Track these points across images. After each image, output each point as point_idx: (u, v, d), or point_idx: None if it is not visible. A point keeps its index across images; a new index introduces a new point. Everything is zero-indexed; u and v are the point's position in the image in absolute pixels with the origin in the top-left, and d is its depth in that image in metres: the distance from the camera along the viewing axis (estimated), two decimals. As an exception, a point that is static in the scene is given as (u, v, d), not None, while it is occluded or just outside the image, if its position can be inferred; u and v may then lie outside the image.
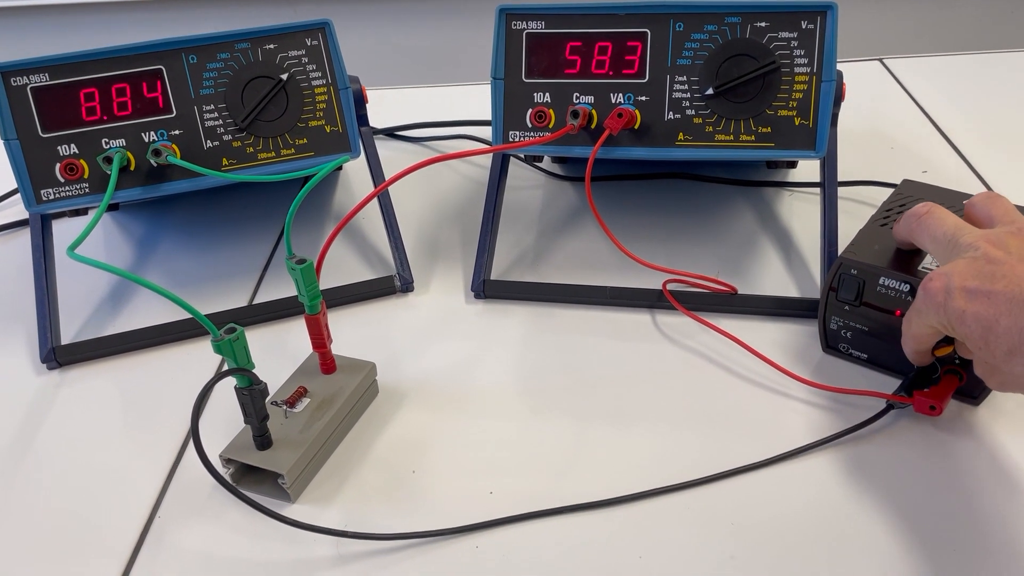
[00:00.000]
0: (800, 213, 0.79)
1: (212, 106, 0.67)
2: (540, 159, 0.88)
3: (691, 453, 0.56)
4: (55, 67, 0.64)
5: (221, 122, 0.67)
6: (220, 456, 0.54)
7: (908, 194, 0.64)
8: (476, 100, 1.03)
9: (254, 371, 0.51)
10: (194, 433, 0.49)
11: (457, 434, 0.58)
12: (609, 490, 0.53)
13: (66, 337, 0.68)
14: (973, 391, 0.57)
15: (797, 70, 0.63)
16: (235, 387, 0.51)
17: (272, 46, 0.67)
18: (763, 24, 0.63)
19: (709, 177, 0.84)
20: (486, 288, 0.70)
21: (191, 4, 1.83)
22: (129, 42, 0.65)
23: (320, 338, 0.58)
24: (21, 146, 0.64)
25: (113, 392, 0.64)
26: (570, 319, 0.68)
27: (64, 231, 0.77)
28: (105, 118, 0.65)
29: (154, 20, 1.85)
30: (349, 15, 1.82)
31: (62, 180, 0.65)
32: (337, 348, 0.61)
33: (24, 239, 0.81)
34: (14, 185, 0.90)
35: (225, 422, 0.59)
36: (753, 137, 0.65)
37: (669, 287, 0.68)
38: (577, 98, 0.67)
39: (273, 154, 0.68)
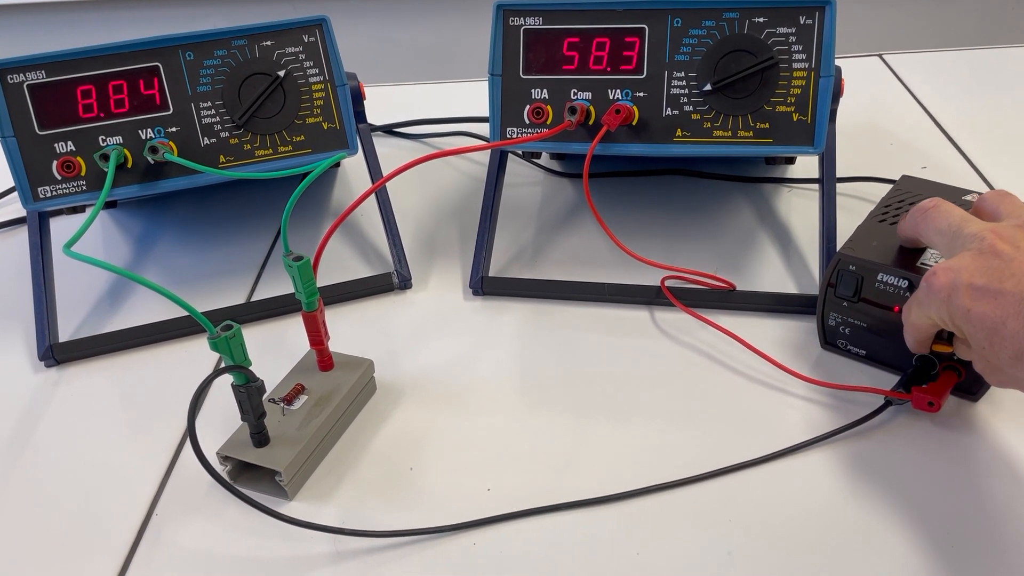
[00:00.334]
0: (799, 209, 0.79)
1: (209, 103, 0.67)
2: (538, 155, 0.87)
3: (689, 450, 0.55)
4: (52, 64, 0.64)
5: (218, 119, 0.67)
6: (217, 453, 0.54)
7: (907, 190, 0.64)
8: (474, 97, 1.03)
9: (251, 368, 0.51)
10: (190, 430, 0.49)
11: (455, 431, 0.58)
12: (607, 487, 0.53)
13: (64, 335, 0.68)
14: (972, 387, 0.57)
15: (795, 66, 0.63)
16: (232, 384, 0.51)
17: (269, 43, 0.67)
18: (761, 19, 0.63)
19: (707, 173, 0.84)
20: (484, 285, 0.70)
21: (185, 2, 1.82)
22: (126, 39, 0.65)
23: (317, 335, 0.58)
24: (18, 143, 0.64)
25: (111, 390, 0.64)
26: (568, 316, 0.68)
27: (62, 228, 0.77)
28: (102, 115, 0.65)
29: (151, 17, 1.85)
30: (347, 11, 1.82)
31: (59, 177, 0.65)
32: (335, 345, 0.60)
33: (21, 237, 0.81)
34: (11, 183, 0.90)
35: (223, 419, 0.59)
36: (751, 133, 0.65)
37: (667, 283, 0.68)
38: (575, 94, 0.66)
39: (270, 151, 0.68)
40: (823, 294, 0.60)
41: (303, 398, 0.57)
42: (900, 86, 1.01)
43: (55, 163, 0.65)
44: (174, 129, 0.66)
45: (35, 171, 0.65)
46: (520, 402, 0.60)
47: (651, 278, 0.68)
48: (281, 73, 0.67)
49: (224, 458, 0.54)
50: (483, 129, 0.95)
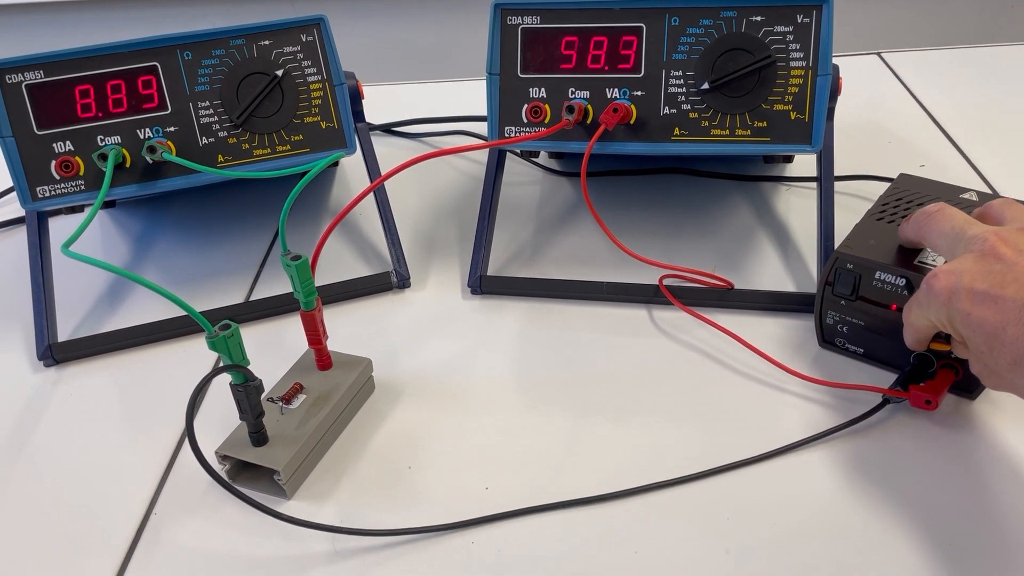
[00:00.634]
0: (796, 208, 0.79)
1: (207, 102, 0.67)
2: (536, 154, 0.87)
3: (687, 448, 0.56)
4: (50, 64, 0.64)
5: (216, 119, 0.67)
6: (216, 453, 0.54)
7: (905, 188, 0.64)
8: (472, 96, 1.03)
9: (249, 367, 0.51)
10: (189, 430, 0.49)
11: (453, 430, 0.58)
12: (605, 485, 0.53)
13: (63, 334, 0.68)
14: (969, 385, 0.57)
15: (793, 64, 0.63)
16: (230, 384, 0.51)
17: (267, 42, 0.67)
18: (759, 18, 0.63)
19: (705, 172, 0.84)
20: (483, 284, 0.70)
21: (183, 2, 1.82)
22: (124, 39, 0.65)
23: (316, 334, 0.58)
24: (16, 143, 0.64)
25: (110, 389, 0.64)
26: (567, 315, 0.68)
27: (60, 228, 0.77)
28: (100, 115, 0.65)
29: (149, 17, 1.84)
30: (345, 11, 1.82)
31: (58, 177, 0.65)
32: (333, 344, 0.61)
33: (20, 237, 0.81)
34: (10, 183, 0.90)
35: (221, 419, 0.59)
36: (749, 132, 0.65)
37: (665, 282, 0.68)
38: (573, 93, 0.66)
39: (269, 150, 0.68)
40: (821, 292, 0.60)
41: (301, 397, 0.57)
42: (898, 84, 1.01)
43: (53, 163, 0.65)
44: (172, 129, 0.66)
45: (33, 171, 0.65)
46: (518, 401, 0.60)
47: (649, 277, 0.68)
48: (279, 72, 0.67)
49: (223, 457, 0.54)
50: (481, 128, 0.95)
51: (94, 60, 0.65)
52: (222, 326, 0.50)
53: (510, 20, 0.66)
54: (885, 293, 0.57)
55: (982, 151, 0.86)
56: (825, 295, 0.60)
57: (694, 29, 0.64)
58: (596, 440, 0.57)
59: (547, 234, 0.77)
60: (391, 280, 0.71)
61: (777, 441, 0.55)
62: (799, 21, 0.63)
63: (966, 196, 0.63)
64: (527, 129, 0.68)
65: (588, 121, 0.66)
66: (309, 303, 0.56)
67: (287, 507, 0.53)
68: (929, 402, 0.54)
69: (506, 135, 0.68)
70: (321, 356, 0.59)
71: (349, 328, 0.68)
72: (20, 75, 0.64)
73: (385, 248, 0.75)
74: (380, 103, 1.01)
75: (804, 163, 0.84)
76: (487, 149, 0.76)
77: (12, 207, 0.88)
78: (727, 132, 0.65)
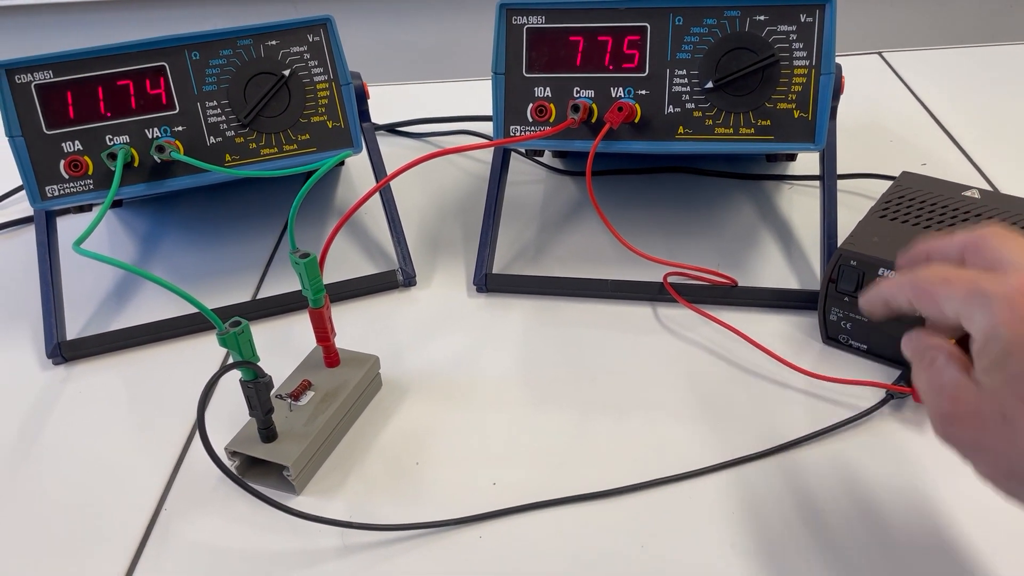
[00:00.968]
0: (799, 206, 0.79)
1: (215, 102, 0.67)
2: (541, 154, 0.88)
3: (693, 443, 0.56)
4: (59, 64, 0.64)
5: (224, 118, 0.68)
6: (225, 449, 0.54)
7: (908, 186, 0.65)
8: (475, 96, 1.03)
9: (259, 364, 0.52)
10: (200, 425, 0.49)
11: (460, 426, 0.59)
12: (611, 480, 0.54)
13: (71, 333, 0.69)
14: (972, 381, 0.57)
15: (796, 63, 0.64)
16: (240, 380, 0.52)
17: (274, 42, 0.67)
18: (762, 18, 0.63)
19: (709, 171, 0.84)
20: (488, 282, 0.71)
21: (191, 2, 1.83)
22: (132, 39, 0.66)
23: (324, 332, 0.58)
24: (26, 143, 0.65)
25: (118, 386, 0.64)
26: (572, 312, 0.68)
27: (68, 228, 0.78)
28: (109, 115, 0.66)
29: (154, 18, 1.85)
30: (349, 11, 1.83)
31: (66, 177, 0.66)
32: (340, 342, 0.61)
33: (28, 236, 0.82)
34: (17, 183, 0.90)
35: (229, 416, 0.60)
36: (753, 130, 0.65)
37: (670, 280, 0.68)
38: (577, 92, 0.67)
39: (276, 150, 0.69)
40: (824, 289, 0.61)
41: (310, 394, 0.58)
42: (900, 84, 1.01)
43: (62, 162, 0.65)
44: (180, 128, 0.67)
45: (43, 170, 0.65)
46: (524, 397, 0.61)
47: (654, 274, 0.69)
48: (286, 72, 0.68)
49: (232, 453, 0.54)
50: (484, 128, 0.95)
51: (103, 60, 0.65)
52: (233, 323, 0.50)
53: (515, 20, 0.67)
54: (888, 290, 0.57)
55: (983, 149, 0.87)
56: (829, 292, 0.60)
57: (698, 28, 0.65)
58: (602, 436, 0.57)
59: (551, 233, 0.78)
60: (397, 278, 0.72)
61: (782, 436, 0.56)
62: (802, 20, 0.63)
63: (968, 194, 0.63)
64: (532, 128, 0.68)
65: (593, 120, 0.67)
66: (317, 300, 0.57)
67: (296, 503, 0.54)
68: (932, 397, 0.55)
69: (511, 134, 0.69)
70: (329, 353, 0.60)
71: (355, 326, 0.68)
72: (29, 75, 0.64)
73: (390, 246, 0.75)
74: (383, 103, 1.01)
75: (806, 162, 0.84)
76: (491, 148, 0.76)
77: (19, 207, 0.88)
78: (731, 131, 0.65)
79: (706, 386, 0.60)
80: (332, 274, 0.72)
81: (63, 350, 0.66)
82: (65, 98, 0.65)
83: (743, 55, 0.64)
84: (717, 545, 0.50)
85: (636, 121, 0.66)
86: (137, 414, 0.62)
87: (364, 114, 0.72)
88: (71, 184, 0.66)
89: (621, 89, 0.66)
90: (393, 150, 0.94)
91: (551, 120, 0.68)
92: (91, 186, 0.66)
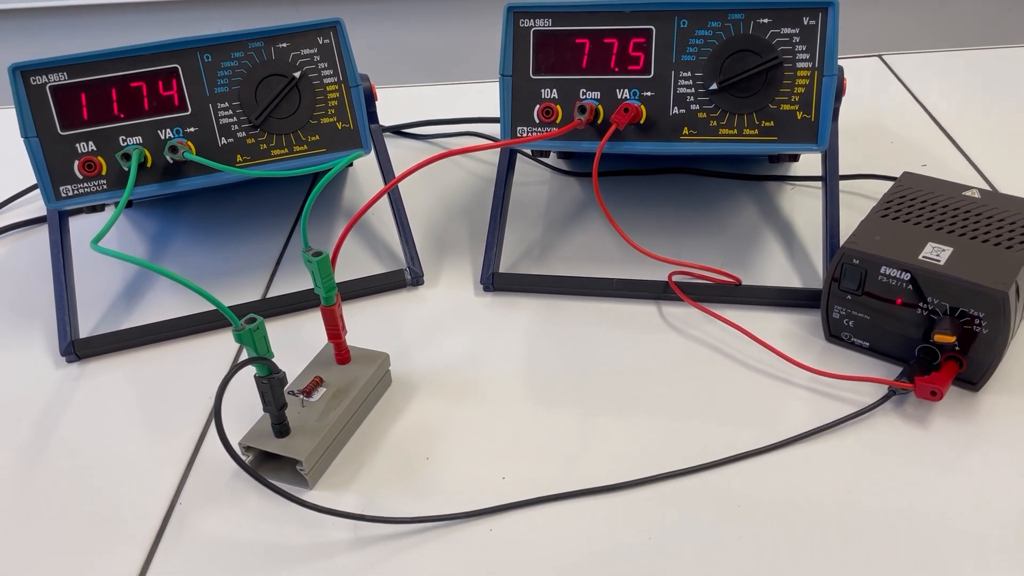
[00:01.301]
0: (802, 206, 0.80)
1: (227, 104, 0.68)
2: (546, 155, 0.89)
3: (698, 439, 0.57)
4: (73, 66, 0.65)
5: (235, 119, 0.69)
6: (240, 444, 0.55)
7: (909, 186, 0.66)
8: (481, 98, 1.04)
9: (273, 360, 0.52)
10: (217, 420, 0.50)
11: (469, 422, 0.60)
12: (619, 474, 0.54)
13: (84, 331, 0.70)
14: (973, 377, 0.58)
15: (799, 65, 0.65)
16: (255, 376, 0.53)
17: (285, 45, 0.68)
18: (766, 20, 0.64)
19: (713, 172, 0.85)
20: (495, 281, 0.72)
21: (198, 5, 1.84)
22: (145, 42, 0.67)
23: (335, 329, 0.59)
24: (40, 144, 0.66)
25: (131, 383, 0.65)
26: (578, 310, 0.69)
27: (80, 228, 0.79)
28: (122, 116, 0.67)
29: (151, 22, 1.87)
30: (356, 14, 1.84)
31: (80, 177, 0.67)
32: (350, 340, 0.62)
33: (40, 236, 0.83)
34: (29, 183, 0.91)
35: (239, 413, 0.60)
36: (756, 131, 0.66)
37: (675, 279, 0.69)
38: (584, 94, 0.68)
39: (286, 151, 0.70)
40: (827, 288, 0.62)
41: (322, 390, 0.59)
42: (900, 86, 1.02)
43: (76, 163, 0.66)
44: (192, 129, 0.68)
45: (57, 171, 0.66)
46: (532, 394, 0.61)
47: (658, 273, 0.70)
48: (297, 74, 0.69)
49: (246, 448, 0.55)
50: (490, 129, 0.96)
51: (116, 62, 0.66)
52: (248, 319, 0.51)
53: (523, 23, 0.68)
54: (890, 288, 0.58)
55: (982, 150, 0.88)
56: (831, 290, 0.61)
57: (702, 31, 0.66)
58: (609, 431, 0.58)
59: (557, 232, 0.79)
60: (405, 277, 0.73)
61: (786, 432, 0.57)
62: (805, 23, 0.64)
63: (968, 194, 0.64)
64: (539, 129, 0.69)
65: (599, 121, 0.68)
66: (329, 298, 0.58)
67: (309, 497, 0.54)
68: (934, 393, 0.56)
69: (518, 135, 0.70)
70: (340, 350, 0.61)
71: (365, 324, 0.69)
72: (44, 77, 0.65)
73: (398, 246, 0.76)
74: (390, 105, 1.02)
75: (809, 162, 0.85)
76: (496, 150, 0.77)
77: (32, 207, 0.89)
78: (735, 132, 0.66)
79: (711, 382, 0.61)
80: (342, 273, 0.73)
81: (76, 348, 0.67)
82: (79, 99, 0.66)
83: (747, 57, 0.65)
84: (723, 537, 0.51)
85: (641, 122, 0.67)
86: (150, 411, 0.63)
87: (372, 115, 0.73)
88: (85, 184, 0.67)
89: (627, 91, 0.67)
90: (398, 151, 0.95)
91: (558, 121, 0.69)
92: (105, 186, 0.67)
